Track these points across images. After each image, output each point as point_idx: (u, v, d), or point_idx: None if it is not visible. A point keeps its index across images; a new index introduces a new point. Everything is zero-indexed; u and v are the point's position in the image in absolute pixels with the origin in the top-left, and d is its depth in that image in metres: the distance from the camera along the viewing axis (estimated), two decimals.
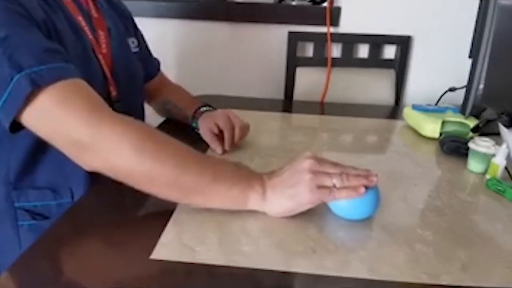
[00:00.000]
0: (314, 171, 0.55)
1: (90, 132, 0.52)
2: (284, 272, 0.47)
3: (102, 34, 0.74)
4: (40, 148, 0.67)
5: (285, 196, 0.55)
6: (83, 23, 0.70)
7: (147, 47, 0.96)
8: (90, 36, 0.70)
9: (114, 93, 0.75)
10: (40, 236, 0.53)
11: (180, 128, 0.91)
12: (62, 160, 0.67)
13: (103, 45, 0.74)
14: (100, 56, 0.72)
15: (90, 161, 0.54)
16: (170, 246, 0.51)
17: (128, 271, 0.48)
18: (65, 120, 0.53)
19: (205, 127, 0.80)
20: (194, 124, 0.85)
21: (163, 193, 0.55)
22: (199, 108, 0.87)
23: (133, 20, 0.91)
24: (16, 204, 0.69)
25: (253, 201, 0.56)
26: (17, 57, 0.53)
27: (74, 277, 0.47)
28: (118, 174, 0.54)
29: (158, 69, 1.00)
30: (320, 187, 0.54)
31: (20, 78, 0.52)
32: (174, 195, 0.55)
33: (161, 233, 0.53)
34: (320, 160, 0.56)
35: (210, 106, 0.88)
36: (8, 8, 0.56)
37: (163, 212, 0.57)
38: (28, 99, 0.52)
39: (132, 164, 0.53)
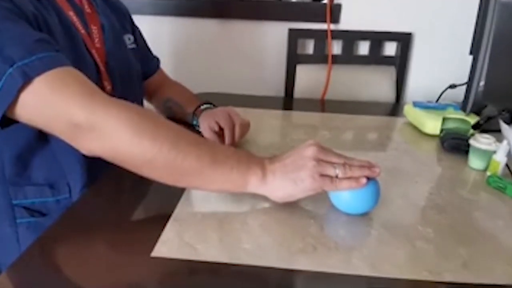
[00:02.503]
0: (317, 159, 0.55)
1: (86, 115, 0.52)
2: (285, 270, 0.47)
3: (95, 29, 0.74)
4: (34, 145, 0.67)
5: (286, 181, 0.55)
6: (74, 18, 0.69)
7: (146, 44, 0.96)
8: (82, 31, 0.70)
9: (108, 87, 0.75)
10: (39, 235, 0.53)
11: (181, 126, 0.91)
12: (58, 156, 0.68)
13: (96, 40, 0.73)
14: (93, 51, 0.72)
15: (88, 145, 0.54)
16: (170, 244, 0.51)
17: (129, 269, 0.48)
18: (60, 105, 0.53)
19: (205, 125, 0.80)
20: (194, 122, 0.85)
21: (162, 176, 0.55)
22: (200, 105, 0.87)
23: (130, 18, 0.90)
24: (14, 202, 0.69)
25: (253, 184, 0.55)
26: (8, 50, 0.53)
27: (75, 276, 0.47)
28: (116, 156, 0.54)
29: (158, 66, 0.99)
30: (323, 175, 0.54)
31: (12, 72, 0.52)
32: (172, 178, 0.55)
33: (161, 231, 0.53)
34: (324, 149, 0.56)
35: (210, 104, 0.88)
36: None
37: (163, 211, 0.57)
38: (20, 91, 0.52)
39: (130, 145, 0.53)
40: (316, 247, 0.51)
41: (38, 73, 0.52)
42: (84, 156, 0.55)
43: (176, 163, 0.53)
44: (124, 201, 0.58)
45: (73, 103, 0.53)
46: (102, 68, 0.73)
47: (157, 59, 1.00)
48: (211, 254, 0.49)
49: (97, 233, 0.54)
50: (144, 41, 0.95)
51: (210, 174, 0.55)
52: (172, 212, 0.57)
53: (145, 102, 0.98)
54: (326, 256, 0.49)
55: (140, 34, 0.94)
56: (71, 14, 0.69)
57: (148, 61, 0.95)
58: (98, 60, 0.72)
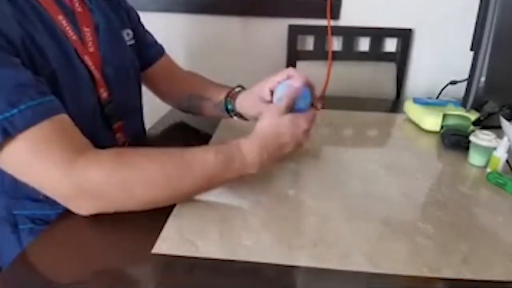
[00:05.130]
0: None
1: (71, 186, 0.52)
2: (285, 266, 0.47)
3: (87, 31, 0.69)
4: None
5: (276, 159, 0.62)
6: (64, 22, 0.64)
7: (146, 31, 0.91)
8: (74, 37, 0.65)
9: (104, 94, 0.71)
10: (40, 233, 0.53)
11: (177, 125, 0.91)
12: None
13: (89, 44, 0.69)
14: (86, 58, 0.67)
15: (82, 210, 0.54)
16: (171, 241, 0.51)
17: (130, 266, 0.48)
18: (43, 174, 0.52)
19: (255, 98, 0.75)
20: (229, 106, 0.81)
21: (170, 203, 0.57)
22: (233, 89, 0.82)
23: (132, 11, 0.86)
24: (15, 212, 0.68)
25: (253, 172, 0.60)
26: None
27: (76, 273, 0.47)
28: (117, 210, 0.54)
29: (161, 53, 0.92)
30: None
31: None
32: (180, 200, 0.58)
33: (162, 228, 0.53)
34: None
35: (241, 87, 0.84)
36: None
37: (163, 207, 0.57)
38: (0, 148, 0.51)
39: (125, 201, 0.54)
40: (316, 243, 0.51)
41: (19, 130, 0.50)
42: None
43: (176, 195, 0.56)
44: None
45: (53, 173, 0.51)
46: (97, 75, 0.69)
47: (161, 46, 0.93)
48: (211, 250, 0.49)
49: (97, 231, 0.54)
50: (145, 31, 0.90)
51: (209, 187, 0.59)
52: (173, 209, 0.57)
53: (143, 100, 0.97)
54: (326, 253, 0.50)
55: (142, 25, 0.89)
56: (60, 18, 0.64)
57: (147, 48, 0.88)
58: (92, 67, 0.69)
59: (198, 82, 0.91)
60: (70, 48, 0.65)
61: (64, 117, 0.55)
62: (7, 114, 0.50)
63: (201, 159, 0.56)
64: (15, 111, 0.50)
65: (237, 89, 0.82)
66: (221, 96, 0.83)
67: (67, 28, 0.65)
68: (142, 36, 0.88)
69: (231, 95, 0.82)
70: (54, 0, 0.64)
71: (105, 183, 0.52)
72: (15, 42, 0.55)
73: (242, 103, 0.79)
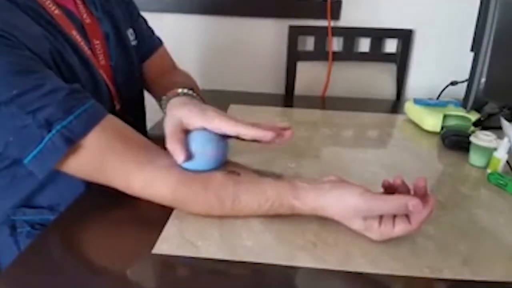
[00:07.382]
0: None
1: (143, 178, 0.54)
2: (285, 266, 0.47)
3: (97, 43, 0.68)
4: (40, 186, 0.66)
5: None
6: (78, 37, 0.64)
7: (143, 27, 0.87)
8: (88, 52, 0.65)
9: (118, 106, 0.71)
10: (40, 233, 0.53)
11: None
12: (62, 188, 0.65)
13: (101, 56, 0.68)
14: (101, 71, 0.67)
15: (152, 197, 0.55)
16: (171, 241, 0.51)
17: (130, 266, 0.48)
18: (112, 171, 0.54)
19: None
20: (163, 106, 0.67)
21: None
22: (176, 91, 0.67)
23: (129, 5, 0.83)
24: (13, 217, 0.68)
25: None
26: (42, 112, 0.49)
27: (76, 273, 0.47)
28: (181, 205, 0.56)
29: (159, 45, 0.89)
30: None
31: (53, 138, 0.49)
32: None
33: (162, 229, 0.53)
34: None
35: (191, 90, 0.69)
36: (11, 54, 0.51)
37: (164, 208, 0.57)
38: (65, 156, 0.51)
39: (197, 198, 0.54)
40: (316, 244, 0.51)
41: (81, 136, 0.51)
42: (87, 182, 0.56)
43: (232, 210, 0.55)
44: (125, 198, 0.58)
45: (123, 168, 0.54)
46: (111, 88, 0.69)
47: (158, 39, 0.90)
48: (212, 251, 0.49)
49: (98, 230, 0.54)
50: (144, 23, 0.87)
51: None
52: (173, 209, 0.57)
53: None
54: (326, 253, 0.50)
55: (142, 18, 0.86)
56: (74, 33, 0.63)
57: (143, 42, 0.83)
58: (107, 80, 0.68)
59: (180, 80, 0.80)
60: (90, 63, 0.65)
61: (112, 116, 0.56)
62: (65, 122, 0.50)
63: (253, 208, 0.54)
64: (71, 117, 0.51)
65: (179, 90, 0.67)
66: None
67: (81, 43, 0.64)
68: (140, 31, 0.85)
69: (169, 95, 0.67)
70: (66, 15, 0.64)
71: (170, 198, 0.55)
72: (46, 59, 0.55)
73: (172, 109, 0.62)
